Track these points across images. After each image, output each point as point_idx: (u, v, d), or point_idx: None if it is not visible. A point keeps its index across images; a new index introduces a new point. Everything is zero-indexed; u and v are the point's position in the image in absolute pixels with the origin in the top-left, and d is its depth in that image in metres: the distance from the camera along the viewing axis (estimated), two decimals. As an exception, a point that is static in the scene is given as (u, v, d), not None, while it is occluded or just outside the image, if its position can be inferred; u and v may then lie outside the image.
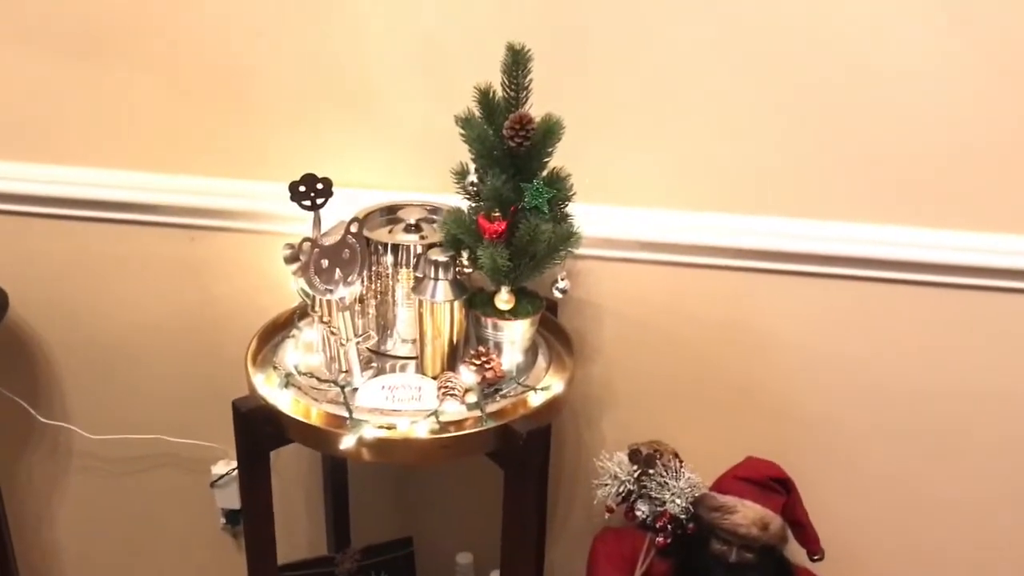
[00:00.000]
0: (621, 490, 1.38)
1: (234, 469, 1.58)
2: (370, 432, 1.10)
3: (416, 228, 1.27)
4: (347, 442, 1.09)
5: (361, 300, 1.28)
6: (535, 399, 1.20)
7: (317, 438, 1.14)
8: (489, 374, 1.18)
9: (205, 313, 1.52)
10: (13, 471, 1.69)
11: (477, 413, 1.15)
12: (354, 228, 1.17)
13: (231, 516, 1.66)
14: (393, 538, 1.55)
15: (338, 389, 1.17)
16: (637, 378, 1.49)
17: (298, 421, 1.13)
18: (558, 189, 1.16)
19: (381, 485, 1.63)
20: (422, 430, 1.11)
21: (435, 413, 1.13)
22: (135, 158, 1.45)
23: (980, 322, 1.39)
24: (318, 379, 1.20)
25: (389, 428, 1.11)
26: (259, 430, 1.14)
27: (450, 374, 1.18)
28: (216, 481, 1.60)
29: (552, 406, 1.21)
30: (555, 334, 1.35)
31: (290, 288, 1.28)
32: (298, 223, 1.20)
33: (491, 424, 1.13)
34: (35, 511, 1.73)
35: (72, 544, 1.76)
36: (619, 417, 1.52)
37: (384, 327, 1.29)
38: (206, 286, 1.51)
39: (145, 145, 1.44)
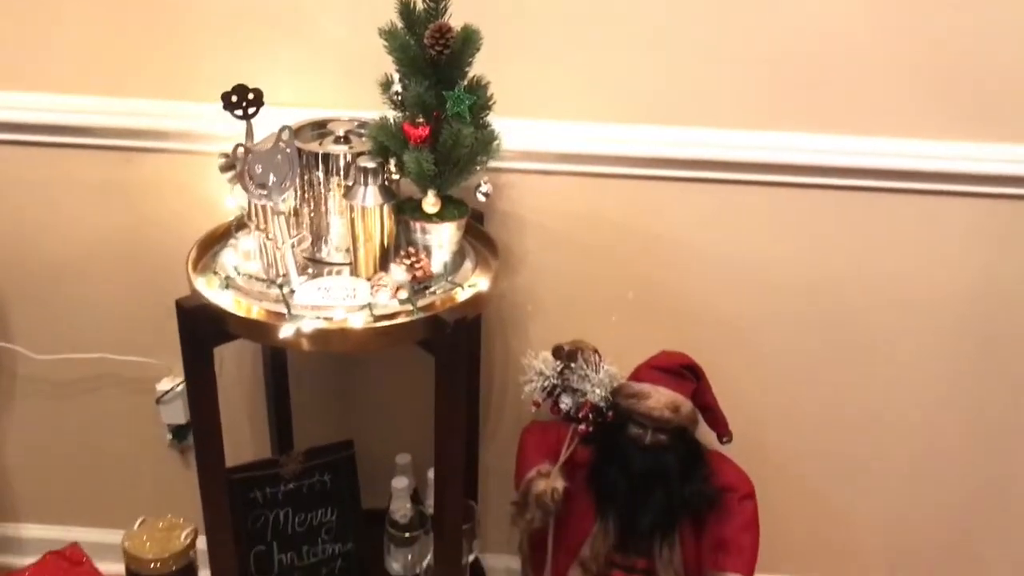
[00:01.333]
0: (546, 385, 1.48)
1: (178, 384, 1.63)
2: (308, 324, 1.17)
3: (345, 140, 1.33)
4: (287, 331, 1.16)
5: (296, 213, 1.35)
6: (462, 294, 1.28)
7: (259, 331, 1.20)
8: (419, 273, 1.25)
9: (143, 233, 1.56)
10: (-43, 396, 1.72)
11: (409, 307, 1.23)
12: (285, 135, 1.22)
13: (177, 432, 1.71)
14: (334, 441, 1.61)
15: (277, 291, 1.23)
16: (559, 284, 1.58)
17: (239, 317, 1.20)
18: (478, 96, 1.23)
19: (321, 390, 1.70)
20: (358, 321, 1.19)
21: (369, 306, 1.21)
22: (67, 81, 1.47)
23: (865, 220, 1.51)
24: (257, 279, 1.26)
25: (326, 320, 1.19)
26: (202, 328, 1.20)
27: (382, 273, 1.26)
28: (161, 397, 1.65)
29: (478, 300, 1.29)
30: (482, 241, 1.42)
31: (226, 207, 1.34)
32: (233, 142, 1.24)
33: (421, 315, 1.21)
34: (-19, 436, 1.77)
35: (19, 466, 1.79)
36: (544, 323, 1.61)
37: (319, 236, 1.35)
38: (143, 206, 1.55)
39: (76, 67, 1.47)
